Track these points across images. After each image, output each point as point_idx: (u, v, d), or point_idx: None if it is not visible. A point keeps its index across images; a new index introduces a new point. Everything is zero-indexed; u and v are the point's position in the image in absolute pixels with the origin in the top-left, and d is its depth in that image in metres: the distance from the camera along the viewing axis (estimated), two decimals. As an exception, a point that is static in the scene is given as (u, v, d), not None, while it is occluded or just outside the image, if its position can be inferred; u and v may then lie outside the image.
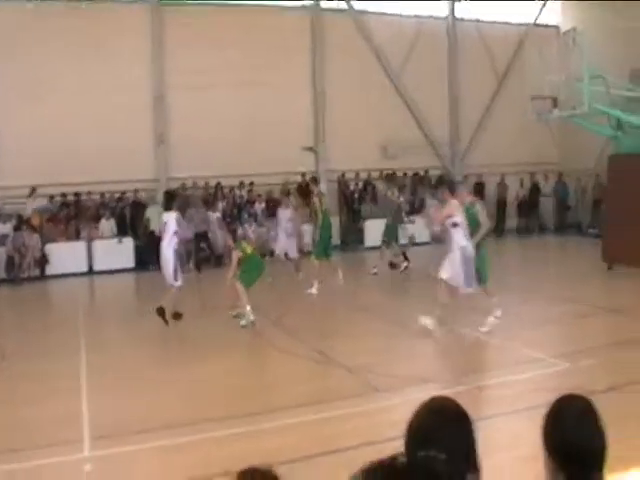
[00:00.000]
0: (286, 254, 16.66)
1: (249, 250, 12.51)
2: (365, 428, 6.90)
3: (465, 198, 11.54)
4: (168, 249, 12.40)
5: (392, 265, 17.47)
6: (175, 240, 12.48)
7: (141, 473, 6.34)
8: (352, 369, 9.26)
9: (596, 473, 2.34)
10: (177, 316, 12.54)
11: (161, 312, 12.11)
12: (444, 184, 11.75)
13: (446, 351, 10.51)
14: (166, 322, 12.11)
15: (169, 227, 12.43)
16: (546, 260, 21.05)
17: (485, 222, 11.32)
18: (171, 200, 12.94)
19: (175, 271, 12.34)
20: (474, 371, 9.09)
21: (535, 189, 26.61)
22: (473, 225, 11.19)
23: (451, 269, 10.72)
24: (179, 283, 12.39)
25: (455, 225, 10.78)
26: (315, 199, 15.82)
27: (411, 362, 10.31)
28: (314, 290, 14.79)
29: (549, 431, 2.41)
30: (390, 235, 17.40)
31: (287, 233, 16.46)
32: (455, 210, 10.81)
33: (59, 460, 6.56)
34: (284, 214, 16.57)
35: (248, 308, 11.88)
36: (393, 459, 1.14)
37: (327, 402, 7.86)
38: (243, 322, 11.93)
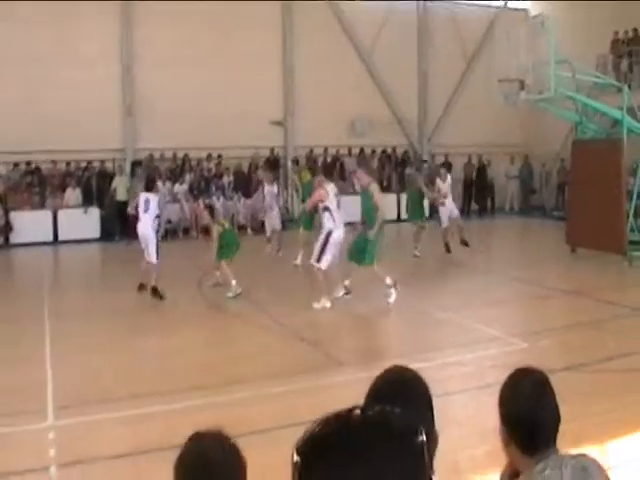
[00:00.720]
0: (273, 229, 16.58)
1: (226, 225, 13.07)
2: (329, 402, 6.94)
3: (363, 179, 11.78)
4: (149, 229, 12.51)
5: (464, 242, 16.35)
6: (157, 221, 12.76)
7: (105, 442, 6.37)
8: (317, 343, 9.39)
9: (548, 445, 2.46)
10: (142, 287, 12.63)
11: (155, 291, 12.27)
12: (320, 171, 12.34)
13: (408, 328, 10.68)
14: (161, 297, 12.20)
15: (150, 208, 12.50)
16: (510, 242, 21.33)
17: (381, 204, 11.54)
18: (152, 182, 13.16)
19: (157, 250, 12.50)
20: (434, 348, 9.25)
21: (483, 170, 26.64)
22: (368, 207, 11.53)
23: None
24: (159, 260, 12.55)
25: (325, 209, 11.19)
26: (295, 176, 16.05)
27: (373, 338, 10.50)
28: (299, 261, 14.90)
29: (504, 401, 2.52)
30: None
31: (272, 208, 16.40)
32: (326, 195, 11.19)
33: (22, 429, 6.56)
34: (269, 190, 16.42)
35: (234, 282, 12.24)
36: (350, 411, 1.21)
37: (291, 375, 7.96)
38: (230, 294, 12.23)
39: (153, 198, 12.67)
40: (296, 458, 1.17)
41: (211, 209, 13.72)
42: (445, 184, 16.55)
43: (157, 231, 12.85)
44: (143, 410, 6.90)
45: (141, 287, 12.61)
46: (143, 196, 12.73)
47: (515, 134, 27.33)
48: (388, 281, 11.33)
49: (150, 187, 12.92)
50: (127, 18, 22.02)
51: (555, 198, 25.86)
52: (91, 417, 6.76)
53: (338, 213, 11.28)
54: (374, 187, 11.62)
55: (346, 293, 11.70)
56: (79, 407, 7.01)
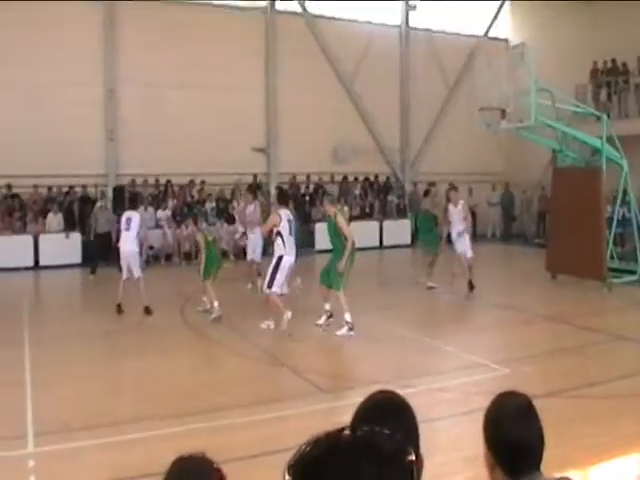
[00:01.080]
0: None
1: (210, 238, 13.04)
2: (310, 429, 6.92)
3: (329, 210, 11.84)
4: (132, 245, 12.81)
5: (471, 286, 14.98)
6: (139, 237, 13.08)
7: (86, 469, 6.31)
8: (299, 369, 9.35)
9: (533, 469, 2.46)
10: (120, 309, 12.77)
11: (147, 310, 12.74)
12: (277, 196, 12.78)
13: (391, 354, 10.65)
14: (150, 313, 12.72)
15: (132, 226, 12.74)
16: (492, 269, 21.37)
17: (350, 234, 11.47)
18: (134, 200, 13.41)
19: (141, 264, 13.13)
20: (418, 375, 9.24)
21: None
22: (333, 235, 11.61)
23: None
24: (141, 273, 12.91)
25: (278, 235, 11.34)
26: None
27: (356, 364, 10.47)
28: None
29: (489, 425, 2.52)
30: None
31: (253, 230, 15.71)
32: (279, 220, 11.34)
33: (2, 455, 6.45)
34: (249, 209, 15.96)
35: (216, 304, 12.37)
36: (340, 431, 1.23)
37: (273, 402, 7.93)
38: (213, 316, 12.35)
39: (135, 216, 12.88)
40: (287, 477, 1.18)
41: (195, 219, 13.84)
42: (457, 209, 15.10)
43: (140, 248, 13.09)
44: (124, 437, 6.83)
45: (119, 309, 12.74)
46: (125, 214, 12.90)
47: (496, 162, 27.55)
48: (346, 317, 11.29)
49: (132, 205, 13.09)
50: (111, 41, 22.06)
51: (536, 225, 26.02)
52: (72, 444, 6.69)
53: (289, 239, 11.36)
54: (340, 217, 11.63)
55: (329, 317, 11.66)
56: (60, 434, 6.93)
